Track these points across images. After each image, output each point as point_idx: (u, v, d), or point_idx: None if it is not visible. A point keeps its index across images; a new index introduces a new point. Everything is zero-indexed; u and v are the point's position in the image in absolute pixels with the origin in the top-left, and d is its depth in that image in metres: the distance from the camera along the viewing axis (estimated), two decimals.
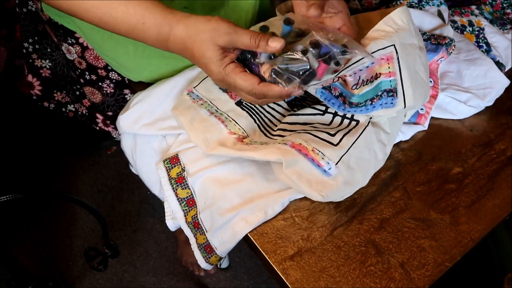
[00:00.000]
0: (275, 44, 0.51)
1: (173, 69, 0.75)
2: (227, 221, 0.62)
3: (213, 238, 0.63)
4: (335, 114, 0.66)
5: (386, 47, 0.60)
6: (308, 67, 0.52)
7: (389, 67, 0.61)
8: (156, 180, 0.72)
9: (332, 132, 0.63)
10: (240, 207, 0.62)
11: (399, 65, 0.61)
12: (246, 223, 0.61)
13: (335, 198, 0.62)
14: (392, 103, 0.62)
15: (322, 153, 0.60)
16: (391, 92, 0.62)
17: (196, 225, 0.65)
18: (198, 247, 0.65)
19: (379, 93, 0.62)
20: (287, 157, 0.58)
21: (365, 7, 0.94)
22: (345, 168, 0.60)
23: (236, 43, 0.51)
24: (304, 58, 0.51)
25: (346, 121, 0.66)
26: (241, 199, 0.63)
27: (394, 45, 0.60)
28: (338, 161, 0.60)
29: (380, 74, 0.61)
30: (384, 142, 0.66)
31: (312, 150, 0.60)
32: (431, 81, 0.75)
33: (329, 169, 0.59)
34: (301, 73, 0.52)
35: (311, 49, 0.52)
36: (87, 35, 0.77)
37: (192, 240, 0.66)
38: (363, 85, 0.62)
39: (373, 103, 0.62)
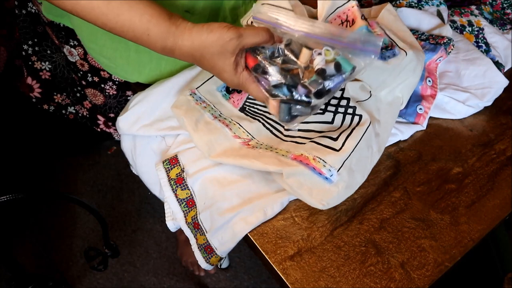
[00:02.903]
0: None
1: (172, 70, 0.75)
2: (227, 222, 0.62)
3: (213, 238, 0.63)
4: (335, 112, 0.66)
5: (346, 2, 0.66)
6: (309, 111, 0.55)
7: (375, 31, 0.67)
8: (156, 181, 0.72)
9: (335, 136, 0.62)
10: (240, 207, 0.62)
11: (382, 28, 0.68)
12: (245, 223, 0.61)
13: (335, 204, 0.62)
14: (394, 54, 0.65)
15: (323, 160, 0.59)
16: (389, 47, 0.65)
17: (196, 226, 0.65)
18: (198, 248, 0.65)
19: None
20: (286, 168, 0.58)
21: (365, 7, 0.94)
22: (346, 172, 0.60)
23: (245, 45, 0.53)
24: (309, 111, 0.55)
25: (348, 118, 0.65)
26: (240, 200, 0.63)
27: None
28: (341, 167, 0.60)
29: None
30: (378, 131, 0.66)
31: (313, 159, 0.59)
32: (430, 81, 0.75)
33: (331, 176, 0.59)
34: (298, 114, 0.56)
35: (314, 99, 0.54)
36: (86, 37, 0.76)
37: (193, 241, 0.66)
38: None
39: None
